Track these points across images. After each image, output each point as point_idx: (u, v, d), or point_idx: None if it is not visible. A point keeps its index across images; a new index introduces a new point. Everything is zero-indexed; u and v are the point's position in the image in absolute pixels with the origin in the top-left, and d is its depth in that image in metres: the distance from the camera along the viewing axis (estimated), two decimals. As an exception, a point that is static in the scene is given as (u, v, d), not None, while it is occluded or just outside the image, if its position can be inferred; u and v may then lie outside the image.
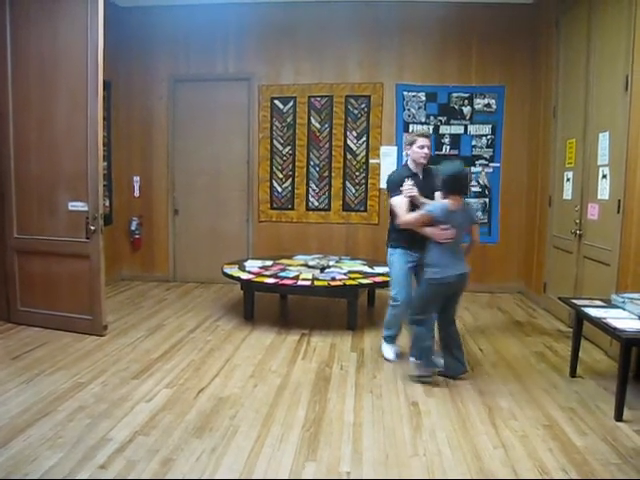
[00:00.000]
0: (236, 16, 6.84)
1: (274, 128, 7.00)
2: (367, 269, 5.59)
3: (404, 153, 4.19)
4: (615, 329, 3.28)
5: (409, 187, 3.95)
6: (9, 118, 4.94)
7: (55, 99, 4.79)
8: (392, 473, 2.68)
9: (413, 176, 4.10)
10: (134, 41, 7.04)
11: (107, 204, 6.76)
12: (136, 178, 7.21)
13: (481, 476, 2.64)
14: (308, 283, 5.01)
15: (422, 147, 4.09)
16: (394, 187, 4.09)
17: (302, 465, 2.74)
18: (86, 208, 4.71)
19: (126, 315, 5.54)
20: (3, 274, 5.16)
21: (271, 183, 7.07)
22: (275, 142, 7.02)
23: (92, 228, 4.66)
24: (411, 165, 4.17)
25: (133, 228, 7.19)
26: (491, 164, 6.79)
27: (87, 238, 4.70)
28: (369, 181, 6.92)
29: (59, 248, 4.86)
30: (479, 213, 6.81)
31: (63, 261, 4.87)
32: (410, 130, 6.77)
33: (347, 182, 6.96)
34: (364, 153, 6.91)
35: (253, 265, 5.65)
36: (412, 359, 3.89)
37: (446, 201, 3.69)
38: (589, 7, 4.98)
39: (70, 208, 4.79)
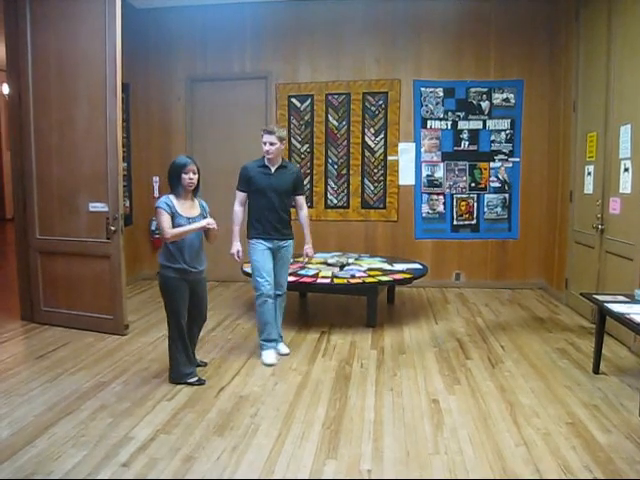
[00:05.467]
0: (252, 15, 6.86)
1: (292, 126, 7.00)
2: (386, 266, 5.57)
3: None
4: (639, 325, 3.23)
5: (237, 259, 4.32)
6: (30, 120, 5.01)
7: (75, 101, 4.85)
8: (413, 471, 2.66)
9: (264, 168, 4.24)
10: (151, 42, 7.10)
11: (127, 204, 6.83)
12: (155, 178, 7.27)
13: (503, 475, 2.61)
14: (327, 281, 5.01)
15: (264, 144, 4.18)
16: (239, 180, 4.27)
17: (323, 463, 2.74)
18: (106, 209, 4.76)
19: (147, 314, 5.58)
20: (26, 275, 5.24)
21: (289, 181, 7.07)
22: (293, 140, 7.02)
23: (112, 228, 4.71)
24: (265, 159, 4.24)
25: (153, 228, 7.24)
26: (510, 159, 6.72)
27: (108, 238, 4.74)
28: (388, 178, 6.89)
29: (80, 248, 4.92)
30: (499, 209, 6.76)
31: (84, 261, 4.93)
32: (428, 126, 6.74)
33: (365, 179, 6.94)
34: (382, 150, 6.89)
35: (272, 263, 5.65)
36: None
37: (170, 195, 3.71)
38: (609, -1, 4.91)
39: (91, 209, 4.85)
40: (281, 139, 4.21)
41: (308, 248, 4.52)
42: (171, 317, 3.72)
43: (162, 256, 3.68)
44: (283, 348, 4.40)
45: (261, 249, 4.23)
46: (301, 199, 4.48)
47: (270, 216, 4.24)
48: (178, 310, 3.70)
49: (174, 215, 3.61)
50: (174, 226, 3.60)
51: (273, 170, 4.24)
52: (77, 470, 2.66)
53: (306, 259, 4.49)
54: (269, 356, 4.19)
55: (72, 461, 2.73)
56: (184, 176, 3.63)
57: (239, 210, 4.34)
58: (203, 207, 3.85)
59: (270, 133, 4.18)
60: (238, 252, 4.31)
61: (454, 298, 6.34)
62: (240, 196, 4.31)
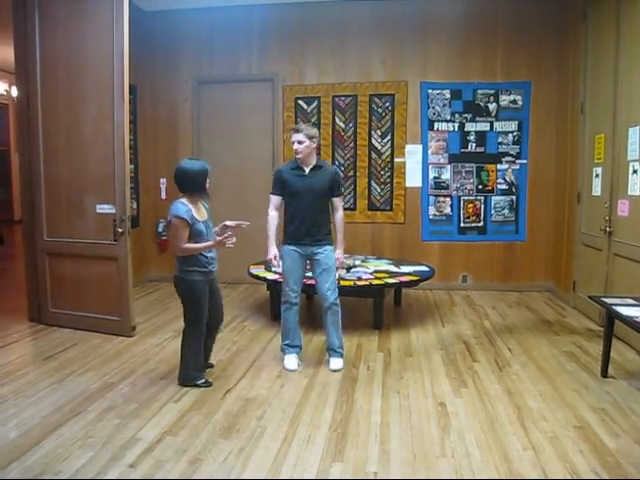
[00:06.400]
0: (259, 17, 6.87)
1: (298, 128, 6.99)
2: (393, 268, 5.56)
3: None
4: (648, 328, 3.22)
5: (275, 264, 4.17)
6: (38, 122, 5.04)
7: (82, 103, 4.87)
8: (420, 474, 2.66)
9: (298, 170, 4.09)
10: (158, 44, 7.12)
11: (134, 206, 6.84)
12: (162, 180, 7.28)
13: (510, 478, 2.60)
14: (334, 283, 5.00)
15: (293, 143, 4.05)
16: (274, 184, 4.18)
17: (329, 465, 2.73)
18: (113, 211, 4.77)
19: (154, 316, 5.60)
20: (34, 276, 5.26)
21: (296, 183, 7.07)
22: (299, 142, 7.01)
23: (120, 230, 4.72)
24: (297, 160, 4.12)
25: (160, 230, 7.26)
26: (518, 161, 6.69)
27: (115, 240, 4.76)
28: (394, 180, 6.88)
29: (88, 250, 4.93)
30: (506, 211, 6.74)
31: (92, 263, 4.94)
32: (435, 128, 6.73)
33: (372, 181, 6.94)
34: (389, 152, 6.88)
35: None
36: None
37: (182, 199, 3.63)
38: (617, 0, 4.88)
39: (98, 211, 4.86)
40: (310, 137, 4.01)
41: (339, 253, 4.28)
42: (194, 321, 3.69)
43: (185, 261, 3.61)
44: (334, 363, 4.14)
45: (292, 256, 4.08)
46: (337, 201, 4.23)
47: (305, 220, 4.05)
48: (203, 313, 3.69)
49: (194, 223, 3.57)
50: (195, 232, 3.57)
51: (307, 171, 4.08)
52: (84, 471, 2.67)
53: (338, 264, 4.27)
54: (290, 361, 4.13)
55: (79, 462, 2.75)
56: (207, 180, 3.66)
57: (274, 214, 4.17)
58: (207, 209, 3.84)
59: (297, 131, 4.02)
60: (276, 256, 4.12)
61: (461, 300, 6.33)
62: (274, 200, 4.16)
